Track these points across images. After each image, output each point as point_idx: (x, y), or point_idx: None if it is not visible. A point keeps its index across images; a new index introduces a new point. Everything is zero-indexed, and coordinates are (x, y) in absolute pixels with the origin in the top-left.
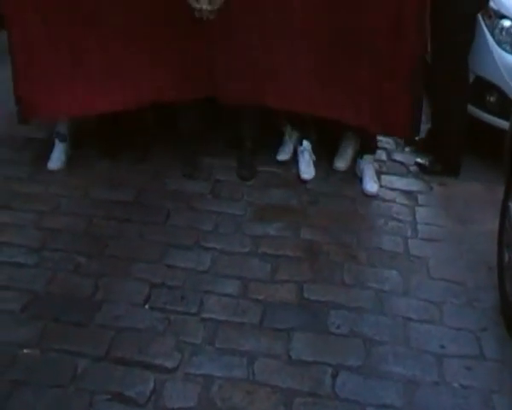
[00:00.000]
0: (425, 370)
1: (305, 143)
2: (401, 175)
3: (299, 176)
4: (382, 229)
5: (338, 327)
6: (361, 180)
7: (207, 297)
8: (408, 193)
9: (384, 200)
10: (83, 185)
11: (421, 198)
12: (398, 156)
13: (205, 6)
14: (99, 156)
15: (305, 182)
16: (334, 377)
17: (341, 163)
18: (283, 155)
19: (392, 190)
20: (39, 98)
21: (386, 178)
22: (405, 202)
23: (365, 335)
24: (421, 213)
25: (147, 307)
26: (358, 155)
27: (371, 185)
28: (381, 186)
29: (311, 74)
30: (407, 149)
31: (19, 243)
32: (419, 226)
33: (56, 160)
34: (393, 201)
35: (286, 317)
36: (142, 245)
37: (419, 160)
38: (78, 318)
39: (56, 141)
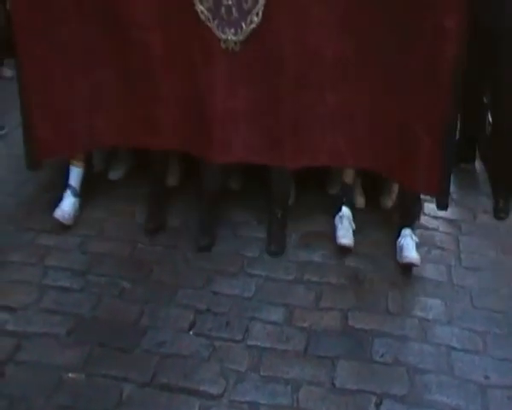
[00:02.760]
0: (469, 400)
1: (345, 209)
2: None
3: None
4: (426, 257)
5: (382, 356)
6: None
7: (252, 324)
8: (451, 221)
9: (427, 228)
10: (128, 210)
11: (464, 227)
12: None
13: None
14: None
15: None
16: (378, 405)
17: (387, 201)
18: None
19: (436, 218)
20: (55, 136)
21: (430, 207)
22: (449, 230)
23: (409, 363)
24: (464, 241)
25: (191, 333)
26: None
27: (411, 255)
28: (424, 214)
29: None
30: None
31: (64, 266)
32: (462, 255)
33: (65, 210)
34: (436, 229)
35: (330, 345)
36: (187, 271)
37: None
38: (123, 343)
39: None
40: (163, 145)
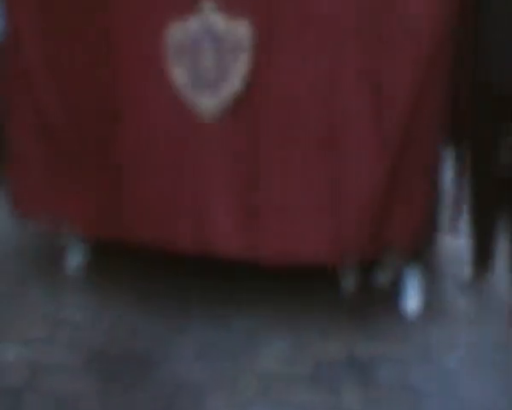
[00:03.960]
0: None
1: None
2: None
3: None
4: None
5: (387, 380)
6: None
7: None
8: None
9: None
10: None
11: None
12: None
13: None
14: None
15: None
16: None
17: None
18: None
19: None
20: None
21: None
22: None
23: (414, 387)
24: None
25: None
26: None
27: (409, 303)
28: None
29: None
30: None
31: (78, 303)
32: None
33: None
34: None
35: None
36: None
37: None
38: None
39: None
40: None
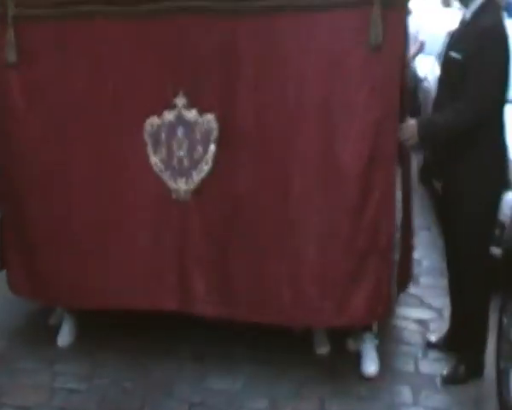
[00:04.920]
0: None
1: None
2: (414, 306)
3: None
4: (394, 352)
5: None
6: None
7: None
8: (419, 321)
9: (396, 327)
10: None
11: (432, 325)
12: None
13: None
14: None
15: None
16: None
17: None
18: None
19: (405, 318)
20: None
21: (400, 309)
22: (417, 328)
23: None
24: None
25: None
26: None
27: (369, 366)
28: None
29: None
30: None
31: (72, 371)
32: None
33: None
34: (405, 328)
35: None
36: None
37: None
38: None
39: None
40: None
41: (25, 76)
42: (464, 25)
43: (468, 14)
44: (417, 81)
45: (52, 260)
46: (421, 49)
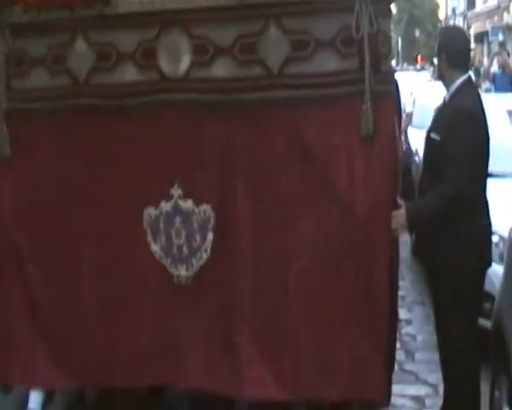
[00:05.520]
0: None
1: None
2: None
3: None
4: None
5: None
6: None
7: None
8: (415, 398)
9: (394, 406)
10: None
11: (428, 401)
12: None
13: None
14: None
15: None
16: None
17: None
18: None
19: (402, 396)
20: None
21: (396, 386)
22: (413, 405)
23: None
24: None
25: None
26: None
27: None
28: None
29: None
30: None
31: None
32: None
33: None
34: (403, 406)
35: None
36: None
37: None
38: None
39: None
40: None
41: (19, 170)
42: (444, 106)
43: (447, 96)
44: (409, 156)
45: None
46: (408, 121)
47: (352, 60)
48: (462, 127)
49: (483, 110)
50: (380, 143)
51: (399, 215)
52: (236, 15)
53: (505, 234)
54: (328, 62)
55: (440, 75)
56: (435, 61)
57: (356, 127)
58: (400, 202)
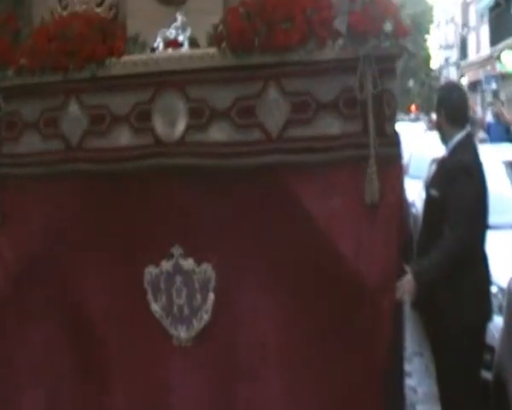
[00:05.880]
0: None
1: None
2: None
3: None
4: None
5: None
6: None
7: None
8: None
9: None
10: None
11: None
12: None
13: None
14: None
15: None
16: None
17: None
18: None
19: None
20: None
21: None
22: None
23: None
24: None
25: None
26: None
27: None
28: None
29: None
30: None
31: None
32: None
33: None
34: None
35: None
36: None
37: None
38: None
39: None
40: None
41: (10, 237)
42: (443, 162)
43: (446, 153)
44: (406, 208)
45: None
46: (404, 172)
47: (355, 122)
48: (460, 181)
49: (481, 165)
50: (385, 211)
51: (407, 282)
52: (234, 77)
53: (504, 285)
54: (330, 125)
55: (439, 130)
56: (431, 113)
57: (360, 193)
58: (406, 268)
